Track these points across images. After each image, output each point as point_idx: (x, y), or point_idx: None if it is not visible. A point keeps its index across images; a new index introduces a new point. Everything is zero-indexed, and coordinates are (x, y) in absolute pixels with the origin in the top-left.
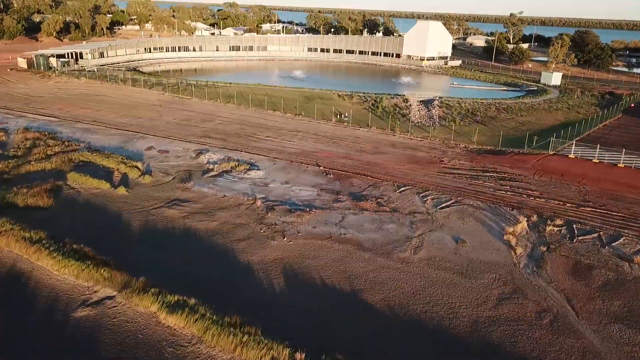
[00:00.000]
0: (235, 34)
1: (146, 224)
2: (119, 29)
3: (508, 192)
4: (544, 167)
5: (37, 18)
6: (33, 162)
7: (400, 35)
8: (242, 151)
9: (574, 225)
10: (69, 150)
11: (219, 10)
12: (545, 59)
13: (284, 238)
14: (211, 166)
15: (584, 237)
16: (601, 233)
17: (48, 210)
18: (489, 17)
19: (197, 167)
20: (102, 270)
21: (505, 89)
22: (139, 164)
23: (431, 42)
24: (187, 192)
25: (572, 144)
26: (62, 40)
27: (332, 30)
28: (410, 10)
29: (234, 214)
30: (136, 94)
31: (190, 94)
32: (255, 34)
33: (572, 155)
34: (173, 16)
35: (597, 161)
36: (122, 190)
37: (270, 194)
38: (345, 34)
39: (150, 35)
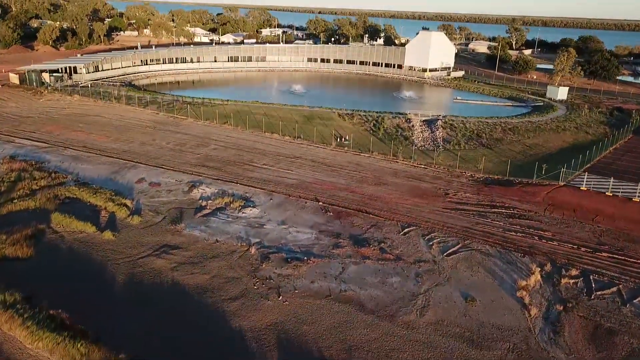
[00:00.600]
0: (235, 40)
1: (132, 279)
2: (117, 34)
3: (518, 233)
4: (554, 201)
5: (34, 23)
6: (16, 201)
7: (402, 44)
8: (237, 183)
9: (591, 277)
10: (56, 184)
11: (218, 14)
12: (549, 66)
13: (279, 297)
14: (204, 202)
15: (603, 292)
16: (620, 287)
17: (27, 262)
18: (490, 18)
19: (189, 204)
20: (79, 345)
21: (510, 104)
22: (128, 201)
23: (433, 53)
24: (177, 236)
25: (584, 175)
26: (58, 49)
27: (333, 40)
28: (412, 10)
29: (226, 264)
30: (130, 113)
31: (186, 113)
32: (254, 40)
33: (583, 187)
34: (172, 20)
35: (611, 194)
36: (108, 235)
37: (265, 237)
38: (345, 41)
39: (149, 42)
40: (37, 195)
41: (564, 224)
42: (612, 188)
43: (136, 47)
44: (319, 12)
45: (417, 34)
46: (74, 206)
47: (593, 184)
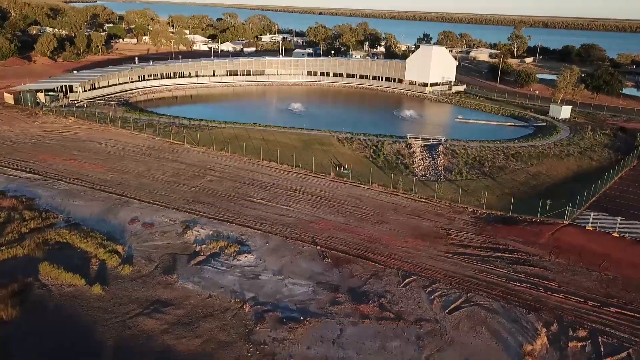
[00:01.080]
0: (234, 48)
1: (120, 345)
2: (116, 42)
3: (523, 283)
4: (559, 243)
5: (33, 30)
6: (4, 248)
7: (403, 53)
8: (232, 222)
9: (600, 339)
10: (46, 225)
11: (218, 19)
12: (552, 76)
13: None
14: (198, 247)
15: (612, 358)
16: (631, 351)
17: (10, 326)
18: (491, 19)
19: (183, 249)
20: None
21: (513, 124)
22: (120, 247)
23: (434, 68)
24: (169, 289)
25: (590, 213)
26: (56, 60)
27: (333, 52)
28: (413, 10)
29: (218, 325)
30: (125, 138)
31: (182, 138)
32: (254, 48)
33: (589, 227)
34: (171, 24)
35: (618, 235)
36: (97, 289)
37: (260, 291)
38: (346, 49)
39: (148, 50)
40: (26, 241)
41: (569, 272)
42: (619, 228)
43: (134, 61)
44: (320, 13)
45: (417, 46)
46: (64, 253)
47: (599, 224)
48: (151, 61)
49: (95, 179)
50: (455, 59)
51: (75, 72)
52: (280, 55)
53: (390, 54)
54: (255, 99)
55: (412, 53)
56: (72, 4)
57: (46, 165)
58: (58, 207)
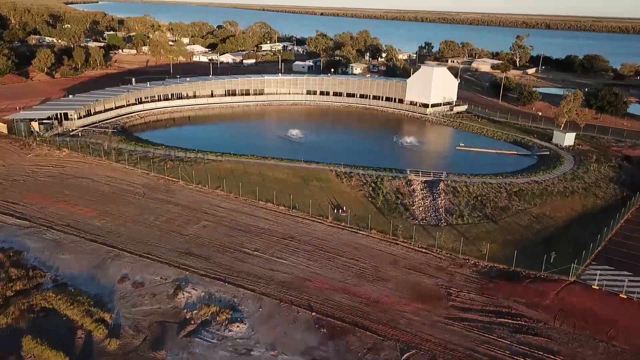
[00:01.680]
0: (234, 59)
1: None
2: (115, 52)
3: (527, 358)
4: (564, 304)
5: (32, 40)
6: None
7: (403, 70)
8: (225, 281)
9: None
10: (32, 286)
11: (219, 26)
12: (555, 90)
13: None
14: (189, 314)
15: None
16: None
17: None
18: (493, 20)
19: (173, 315)
20: None
21: (515, 152)
22: (107, 316)
23: (435, 89)
24: None
25: (596, 271)
26: (53, 77)
27: (332, 70)
28: (414, 9)
29: None
30: (119, 174)
31: (177, 175)
32: (254, 60)
33: (595, 286)
34: (171, 30)
35: (625, 296)
36: None
37: None
38: (346, 61)
39: (147, 62)
40: (10, 308)
41: (575, 341)
42: (626, 288)
43: (131, 82)
44: (321, 14)
45: (418, 66)
46: (50, 322)
47: (606, 282)
48: (148, 83)
49: (86, 225)
50: (457, 74)
51: (70, 96)
52: (280, 74)
53: (390, 71)
54: (253, 121)
55: (413, 71)
56: (73, 4)
57: (37, 208)
58: (46, 262)
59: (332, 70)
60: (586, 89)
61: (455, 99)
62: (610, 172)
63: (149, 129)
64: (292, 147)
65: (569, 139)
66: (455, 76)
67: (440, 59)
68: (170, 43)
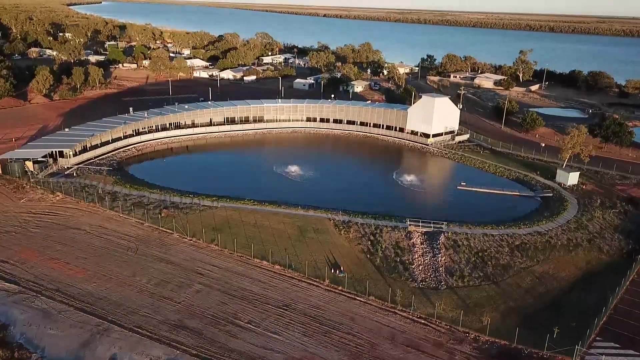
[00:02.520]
0: (234, 76)
1: None
2: (115, 67)
3: None
4: None
5: (33, 53)
6: None
7: (403, 95)
8: None
9: None
10: None
11: (219, 36)
12: (558, 110)
13: None
14: None
15: None
16: None
17: None
18: (496, 22)
19: None
20: None
21: (518, 193)
22: None
23: (437, 118)
24: None
25: (601, 355)
26: (52, 99)
27: (333, 95)
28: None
29: None
30: (113, 224)
31: (172, 225)
32: (254, 77)
33: None
34: (171, 37)
35: None
36: None
37: None
38: (348, 79)
39: (147, 77)
40: None
41: None
42: None
43: (128, 111)
44: (324, 15)
45: (421, 87)
46: None
47: None
48: (146, 113)
49: (75, 290)
50: (459, 96)
51: (66, 129)
52: (279, 100)
53: (391, 95)
54: (252, 153)
55: (415, 95)
56: (74, 6)
57: (27, 267)
58: (33, 340)
59: (333, 96)
60: (590, 110)
61: (457, 128)
62: (614, 219)
63: (146, 161)
64: (289, 188)
65: (573, 178)
66: (457, 101)
67: (442, 73)
68: (172, 54)
